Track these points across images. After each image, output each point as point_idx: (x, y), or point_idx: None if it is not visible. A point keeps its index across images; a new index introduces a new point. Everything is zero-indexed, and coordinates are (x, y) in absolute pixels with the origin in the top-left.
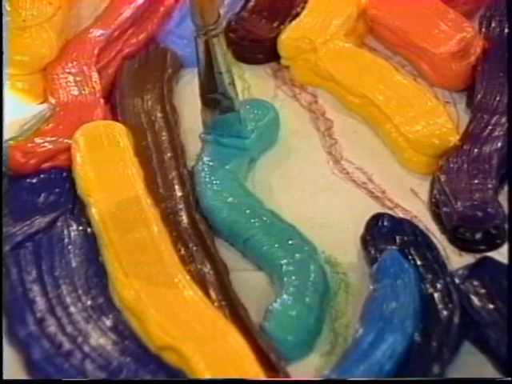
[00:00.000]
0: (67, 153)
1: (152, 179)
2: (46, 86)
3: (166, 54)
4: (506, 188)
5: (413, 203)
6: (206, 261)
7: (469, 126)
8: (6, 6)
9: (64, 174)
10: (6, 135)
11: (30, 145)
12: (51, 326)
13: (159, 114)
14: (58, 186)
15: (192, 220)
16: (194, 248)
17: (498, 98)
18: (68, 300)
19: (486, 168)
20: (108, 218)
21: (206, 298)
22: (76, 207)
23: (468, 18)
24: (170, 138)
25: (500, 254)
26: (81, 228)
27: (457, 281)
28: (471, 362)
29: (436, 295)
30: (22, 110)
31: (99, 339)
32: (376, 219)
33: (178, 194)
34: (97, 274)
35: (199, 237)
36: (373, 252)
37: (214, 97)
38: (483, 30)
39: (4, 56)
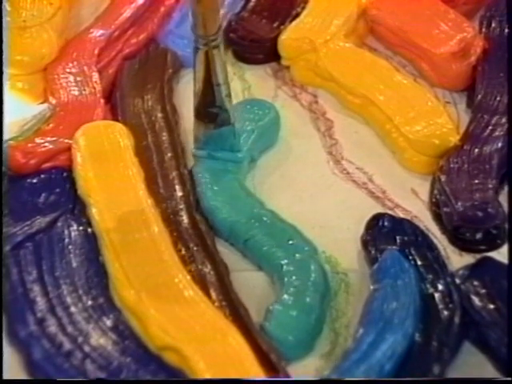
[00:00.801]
0: (67, 153)
1: (152, 179)
2: (46, 86)
3: (166, 54)
4: (506, 188)
5: (413, 203)
6: (207, 261)
7: (469, 126)
8: (7, 6)
9: (64, 174)
10: (7, 135)
11: (30, 145)
12: (51, 326)
13: (159, 114)
14: (59, 186)
15: (192, 220)
16: (195, 248)
17: (498, 98)
18: (68, 300)
19: (487, 168)
20: (108, 218)
21: (206, 298)
22: (76, 207)
23: (468, 18)
24: (171, 138)
25: (500, 254)
26: (81, 228)
27: (457, 281)
28: (471, 362)
29: (436, 295)
30: (22, 110)
31: (99, 339)
32: (376, 219)
33: (179, 194)
34: (97, 274)
35: (200, 237)
36: (373, 252)
37: (210, 110)
38: (483, 30)
39: (4, 56)
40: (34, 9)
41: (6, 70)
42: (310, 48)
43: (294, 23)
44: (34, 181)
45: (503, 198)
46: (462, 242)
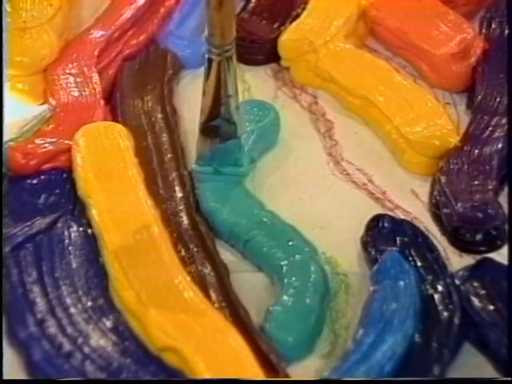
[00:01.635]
0: (67, 154)
1: (152, 180)
2: (46, 86)
3: (166, 55)
4: (506, 189)
5: (413, 204)
6: (207, 262)
7: (469, 127)
8: (7, 7)
9: (64, 175)
10: (7, 136)
11: (30, 146)
12: (51, 327)
13: (159, 115)
14: (59, 187)
15: (192, 221)
16: (195, 249)
17: (498, 99)
18: (68, 301)
19: (487, 169)
20: (108, 219)
21: (206, 299)
22: (76, 208)
23: (468, 19)
24: (171, 139)
25: (500, 255)
26: (81, 229)
27: (457, 282)
28: (471, 363)
29: (436, 296)
30: (22, 111)
31: (99, 340)
32: (376, 220)
33: (179, 195)
34: (97, 275)
35: (200, 238)
36: (373, 253)
37: (218, 124)
38: (483, 31)
39: (4, 57)
40: (34, 10)
41: (6, 71)
42: (309, 49)
43: (293, 24)
44: (34, 182)
45: (503, 199)
46: (461, 243)
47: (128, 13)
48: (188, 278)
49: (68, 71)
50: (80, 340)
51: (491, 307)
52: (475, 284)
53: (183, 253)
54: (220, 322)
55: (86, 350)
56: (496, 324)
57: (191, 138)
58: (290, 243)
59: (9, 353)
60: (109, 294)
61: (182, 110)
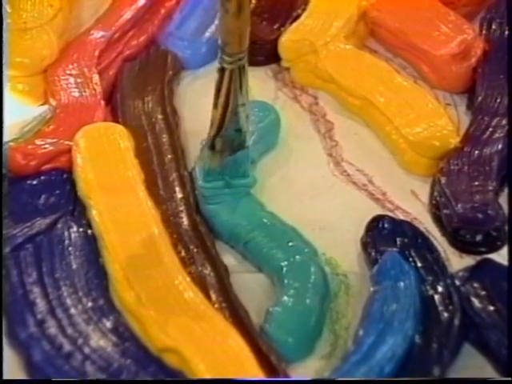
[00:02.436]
0: (68, 154)
1: (152, 181)
2: (46, 87)
3: (166, 56)
4: (506, 190)
5: (413, 205)
6: (207, 263)
7: (469, 128)
8: (7, 8)
9: (64, 176)
10: (7, 137)
11: (30, 146)
12: (51, 328)
13: (160, 116)
14: (59, 188)
15: (192, 222)
16: (195, 250)
17: (498, 100)
18: (68, 302)
19: (487, 170)
20: (108, 220)
21: (206, 300)
22: (76, 209)
23: (468, 20)
24: (171, 139)
25: (500, 256)
26: (81, 230)
27: (457, 283)
28: (472, 364)
29: (436, 297)
30: (22, 111)
31: (99, 341)
32: (376, 221)
33: (179, 195)
34: (97, 276)
35: (200, 239)
36: (373, 254)
37: (229, 135)
38: (484, 32)
39: (4, 58)
40: (34, 10)
41: (7, 72)
42: (310, 50)
43: (294, 25)
44: (34, 182)
45: (503, 200)
46: (462, 244)
47: (128, 14)
48: (188, 279)
49: (68, 72)
50: (80, 341)
51: (491, 308)
52: (475, 285)
53: (183, 253)
54: (220, 322)
55: (86, 350)
56: (496, 325)
57: (191, 138)
58: (290, 244)
59: (9, 353)
60: (109, 294)
61: (183, 110)
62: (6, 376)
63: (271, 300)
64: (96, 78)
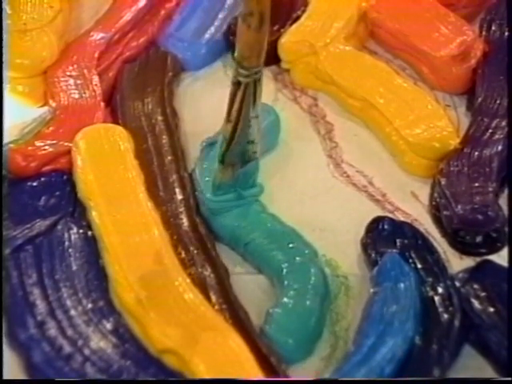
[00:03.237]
0: (68, 156)
1: (152, 182)
2: (46, 89)
3: (166, 57)
4: (506, 191)
5: (413, 206)
6: (207, 264)
7: (469, 129)
8: (7, 9)
9: (64, 177)
10: (7, 138)
11: (30, 148)
12: (51, 329)
13: (160, 117)
14: (59, 189)
15: (192, 223)
16: (195, 251)
17: (498, 102)
18: (68, 303)
19: (487, 171)
20: (108, 221)
21: (206, 302)
22: (76, 210)
23: (468, 21)
24: (171, 141)
25: (500, 257)
26: (81, 231)
27: (457, 284)
28: (472, 365)
29: (436, 298)
30: (22, 113)
31: (99, 342)
32: (376, 222)
33: (179, 197)
34: (97, 277)
35: (200, 240)
36: (373, 255)
37: (243, 148)
38: (483, 33)
39: (4, 59)
40: (34, 12)
41: (6, 73)
42: (310, 51)
43: (294, 26)
44: (34, 184)
45: (503, 201)
46: (462, 245)
47: (128, 15)
48: (188, 280)
49: (68, 73)
50: (80, 342)
51: (491, 309)
52: (475, 286)
53: (183, 255)
54: (220, 324)
55: (87, 352)
56: (496, 326)
57: (191, 140)
58: (291, 245)
59: (9, 355)
60: (109, 296)
61: (182, 112)
62: (6, 377)
63: (271, 301)
64: (96, 79)
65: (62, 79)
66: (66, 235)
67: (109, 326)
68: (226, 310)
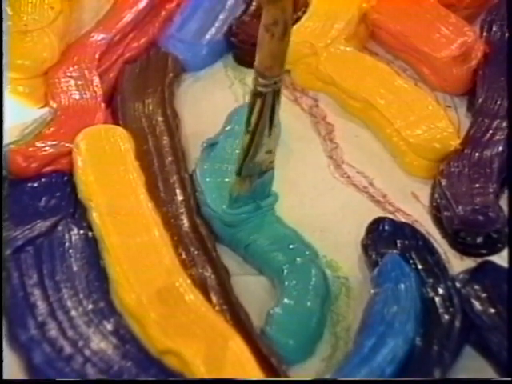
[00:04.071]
0: (68, 157)
1: (153, 183)
2: (47, 89)
3: (167, 58)
4: (506, 192)
5: (414, 207)
6: (207, 265)
7: (470, 130)
8: (8, 10)
9: (65, 178)
10: (7, 139)
11: (31, 149)
12: (52, 330)
13: (160, 118)
14: (59, 190)
15: (193, 224)
16: (195, 252)
17: (498, 102)
18: (69, 304)
19: (487, 172)
20: (109, 222)
21: (207, 303)
22: (77, 211)
23: (469, 22)
24: (171, 142)
25: (501, 258)
26: (82, 232)
27: (458, 285)
28: (472, 366)
29: (437, 299)
30: (23, 113)
31: (100, 343)
32: (377, 223)
33: (179, 198)
34: (98, 278)
35: (200, 241)
36: (374, 256)
37: (262, 158)
38: (484, 34)
39: (5, 60)
40: (35, 13)
41: (7, 74)
42: (310, 52)
43: (294, 27)
44: (35, 185)
45: (504, 202)
46: (462, 246)
47: (129, 16)
48: (189, 281)
49: (69, 74)
50: (81, 343)
51: (492, 310)
52: (476, 287)
53: (184, 256)
54: (221, 324)
55: (87, 353)
56: (497, 327)
57: (192, 140)
58: (291, 246)
59: (9, 356)
60: (109, 296)
61: (183, 113)
62: (7, 377)
63: (272, 302)
64: (96, 80)
65: (63, 80)
66: (67, 236)
67: (109, 326)
68: (227, 310)
